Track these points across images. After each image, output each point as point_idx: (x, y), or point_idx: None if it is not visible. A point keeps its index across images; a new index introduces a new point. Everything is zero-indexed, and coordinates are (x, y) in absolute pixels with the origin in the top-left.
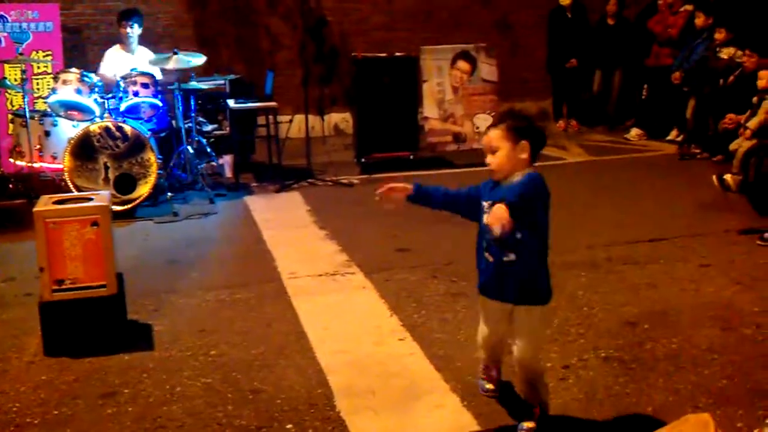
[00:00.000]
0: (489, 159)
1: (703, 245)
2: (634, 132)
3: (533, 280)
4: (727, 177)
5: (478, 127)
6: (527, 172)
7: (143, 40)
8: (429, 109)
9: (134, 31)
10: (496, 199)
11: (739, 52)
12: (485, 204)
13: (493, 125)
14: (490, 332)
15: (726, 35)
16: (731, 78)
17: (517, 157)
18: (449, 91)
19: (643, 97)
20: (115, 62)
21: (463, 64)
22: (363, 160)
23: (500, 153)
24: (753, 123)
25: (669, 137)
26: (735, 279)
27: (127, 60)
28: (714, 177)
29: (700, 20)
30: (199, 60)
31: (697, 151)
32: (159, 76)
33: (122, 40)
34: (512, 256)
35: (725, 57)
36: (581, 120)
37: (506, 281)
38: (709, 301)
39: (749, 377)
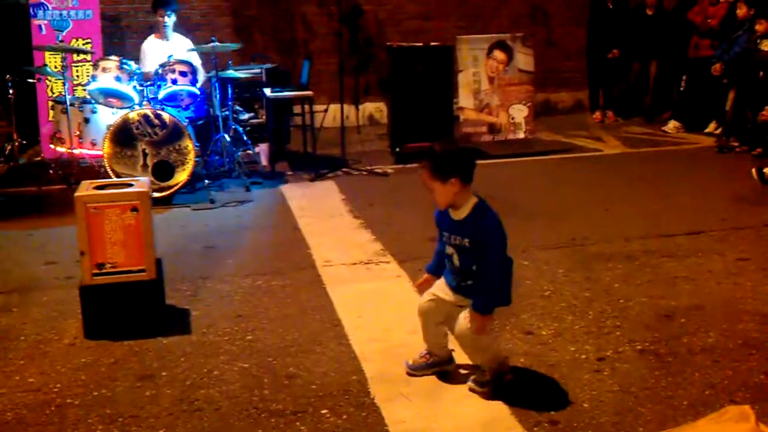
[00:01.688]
0: (430, 194)
1: (741, 239)
2: (672, 124)
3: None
4: (767, 170)
5: (513, 118)
6: (472, 204)
7: (180, 28)
8: (464, 99)
9: (170, 19)
10: (456, 235)
11: None
12: (445, 234)
13: (422, 164)
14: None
15: (767, 27)
16: None
17: (452, 192)
18: (485, 81)
19: (682, 89)
20: (152, 52)
21: (499, 54)
22: (397, 149)
23: (435, 192)
24: None
25: (707, 130)
26: None
27: (163, 47)
28: (753, 170)
29: (742, 11)
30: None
31: (736, 144)
32: (198, 62)
33: (158, 29)
34: (469, 282)
35: (766, 49)
36: (617, 111)
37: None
38: (746, 296)
39: None
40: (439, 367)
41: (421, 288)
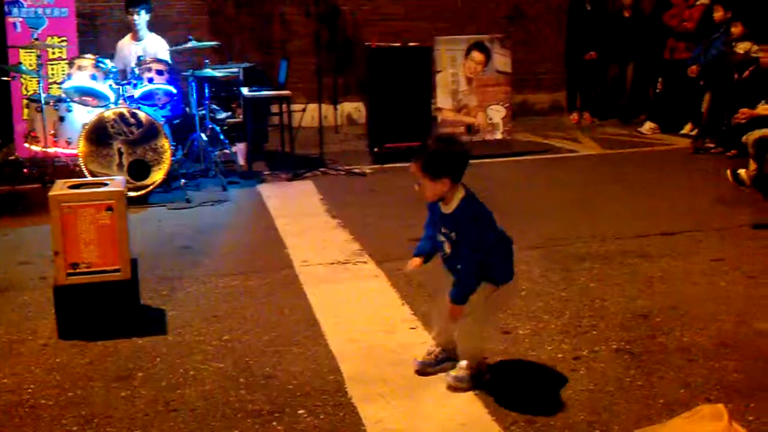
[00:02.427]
0: (417, 187)
1: (716, 239)
2: (648, 125)
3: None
4: (741, 171)
5: (491, 119)
6: (459, 197)
7: (157, 27)
8: (442, 100)
9: (141, 18)
10: (445, 227)
11: (755, 47)
12: (437, 223)
13: (416, 158)
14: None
15: (742, 30)
16: (746, 73)
17: (441, 190)
18: (463, 82)
19: (658, 90)
20: (125, 52)
21: (477, 55)
22: (375, 149)
23: (424, 187)
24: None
25: (683, 131)
26: (748, 273)
27: (135, 48)
28: (728, 171)
29: (718, 14)
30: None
31: (711, 145)
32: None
33: (131, 28)
34: (459, 266)
35: (741, 51)
36: (594, 113)
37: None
38: (721, 295)
39: (762, 372)
40: (447, 362)
41: (412, 271)
